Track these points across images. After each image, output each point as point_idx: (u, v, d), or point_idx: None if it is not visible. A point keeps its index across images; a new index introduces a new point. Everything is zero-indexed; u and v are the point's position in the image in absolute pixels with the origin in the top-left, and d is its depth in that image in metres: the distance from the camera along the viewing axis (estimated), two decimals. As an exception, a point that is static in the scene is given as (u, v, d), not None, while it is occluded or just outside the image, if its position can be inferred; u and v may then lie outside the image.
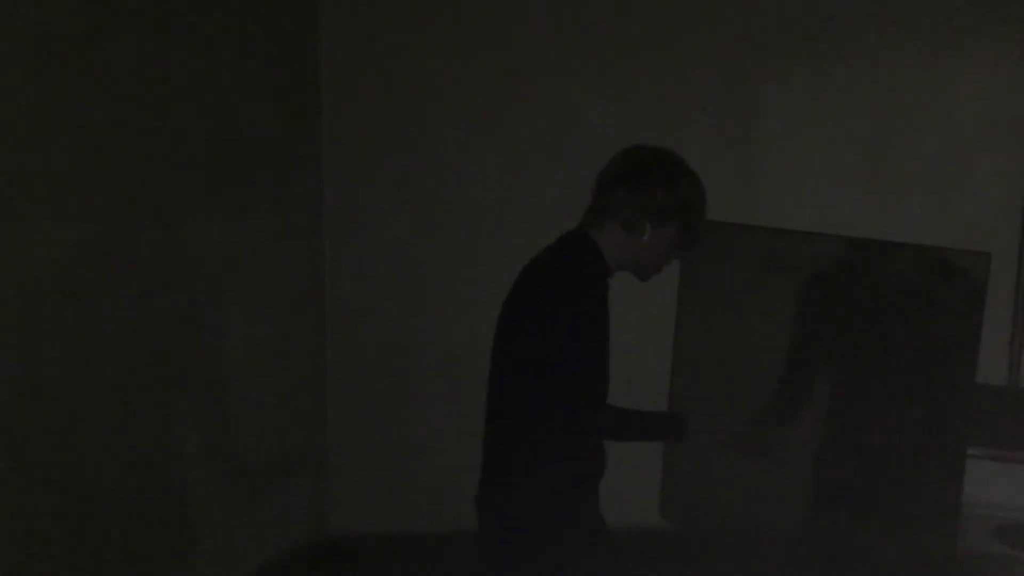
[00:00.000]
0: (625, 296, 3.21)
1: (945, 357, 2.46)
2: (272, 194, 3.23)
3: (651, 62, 3.09)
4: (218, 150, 2.93)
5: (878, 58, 2.88)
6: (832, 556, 2.61)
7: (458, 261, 3.20)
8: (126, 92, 2.55)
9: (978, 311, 2.42)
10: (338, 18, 3.38)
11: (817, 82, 2.94)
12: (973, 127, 2.82)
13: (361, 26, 3.37)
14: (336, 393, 3.55)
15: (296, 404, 3.44)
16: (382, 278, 3.45)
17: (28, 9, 2.25)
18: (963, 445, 2.46)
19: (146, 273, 2.68)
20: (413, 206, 3.41)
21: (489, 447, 2.33)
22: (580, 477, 2.31)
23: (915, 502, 2.52)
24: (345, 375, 3.54)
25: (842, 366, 2.61)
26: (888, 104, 2.89)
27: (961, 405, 2.45)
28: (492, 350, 2.33)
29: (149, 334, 2.69)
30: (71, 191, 2.41)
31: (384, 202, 3.42)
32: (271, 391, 3.27)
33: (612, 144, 3.16)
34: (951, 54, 2.82)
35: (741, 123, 3.02)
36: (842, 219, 2.83)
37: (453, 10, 3.27)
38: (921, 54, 2.84)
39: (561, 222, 3.31)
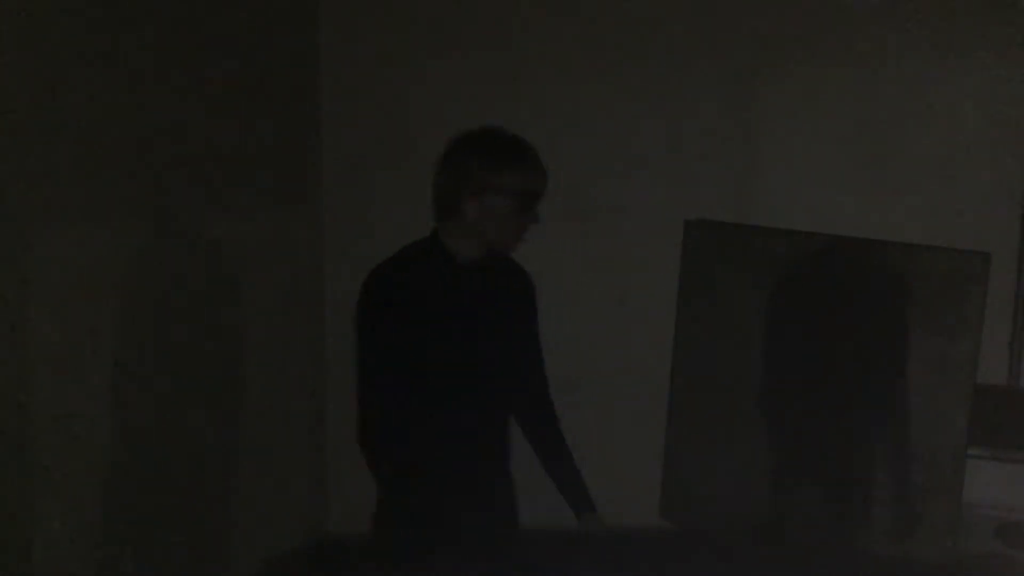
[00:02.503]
0: (625, 296, 3.22)
1: (945, 357, 2.46)
2: (272, 194, 3.23)
3: (651, 62, 3.09)
4: (218, 151, 2.93)
5: (878, 58, 2.88)
6: (832, 556, 2.61)
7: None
8: (126, 93, 2.55)
9: (978, 311, 2.42)
10: (338, 18, 3.38)
11: (817, 82, 2.94)
12: (973, 127, 2.82)
13: (361, 26, 3.37)
14: (336, 393, 3.55)
15: (296, 404, 3.44)
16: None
17: (31, 12, 2.25)
18: (963, 445, 2.46)
19: (146, 273, 2.68)
20: (413, 206, 3.40)
21: None
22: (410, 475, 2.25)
23: (915, 502, 2.52)
24: (345, 375, 3.53)
25: (842, 366, 2.60)
26: (888, 104, 2.89)
27: (961, 405, 2.45)
28: None
29: (148, 335, 2.69)
30: (71, 192, 2.42)
31: (384, 202, 3.42)
32: (271, 391, 3.27)
33: (612, 144, 3.17)
34: (951, 54, 2.81)
35: (741, 123, 3.02)
36: (842, 219, 2.83)
37: (453, 10, 3.27)
38: (921, 54, 2.84)
39: (560, 221, 3.31)
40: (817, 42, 2.93)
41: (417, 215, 3.47)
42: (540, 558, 2.34)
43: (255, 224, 3.12)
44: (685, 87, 3.07)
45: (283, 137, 3.27)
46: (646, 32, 3.08)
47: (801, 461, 2.67)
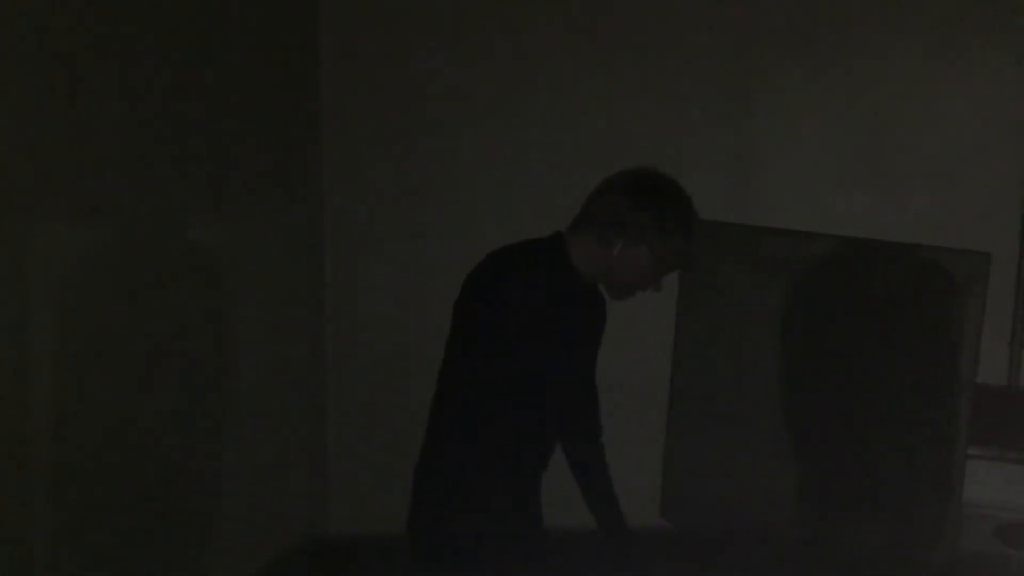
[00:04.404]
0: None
1: (945, 357, 2.46)
2: (272, 195, 3.23)
3: (651, 62, 3.09)
4: (218, 151, 2.93)
5: (878, 58, 2.88)
6: (831, 556, 2.61)
7: (458, 262, 3.20)
8: (125, 93, 2.55)
9: (978, 311, 2.42)
10: (338, 18, 3.38)
11: (817, 82, 2.94)
12: (973, 127, 2.82)
13: (361, 26, 3.37)
14: (336, 393, 3.55)
15: (296, 404, 3.44)
16: (382, 279, 3.44)
17: (29, 11, 2.25)
18: (963, 445, 2.46)
19: (145, 274, 2.68)
20: (413, 207, 3.41)
21: (433, 438, 2.32)
22: (516, 477, 2.27)
23: (915, 502, 2.52)
24: (345, 375, 3.54)
25: (842, 366, 2.60)
26: (888, 104, 2.89)
27: (961, 405, 2.45)
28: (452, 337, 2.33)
29: (149, 335, 2.69)
30: (70, 192, 2.41)
31: (384, 202, 3.42)
32: (271, 391, 3.26)
33: (613, 145, 3.17)
34: (951, 54, 2.82)
35: (740, 123, 3.02)
36: (842, 219, 2.83)
37: (453, 10, 3.27)
38: (921, 54, 2.84)
39: (562, 223, 3.31)
40: (817, 42, 2.93)
41: (417, 215, 3.48)
42: (540, 558, 2.34)
43: (255, 224, 3.12)
44: (685, 87, 3.07)
45: (283, 137, 3.27)
46: (646, 32, 3.08)
47: (799, 460, 2.67)
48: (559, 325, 2.18)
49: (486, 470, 2.23)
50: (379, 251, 3.46)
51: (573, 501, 3.18)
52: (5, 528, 2.28)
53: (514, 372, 2.18)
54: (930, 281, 2.49)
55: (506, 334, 2.17)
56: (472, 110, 3.29)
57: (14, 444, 2.29)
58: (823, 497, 2.65)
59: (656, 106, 3.10)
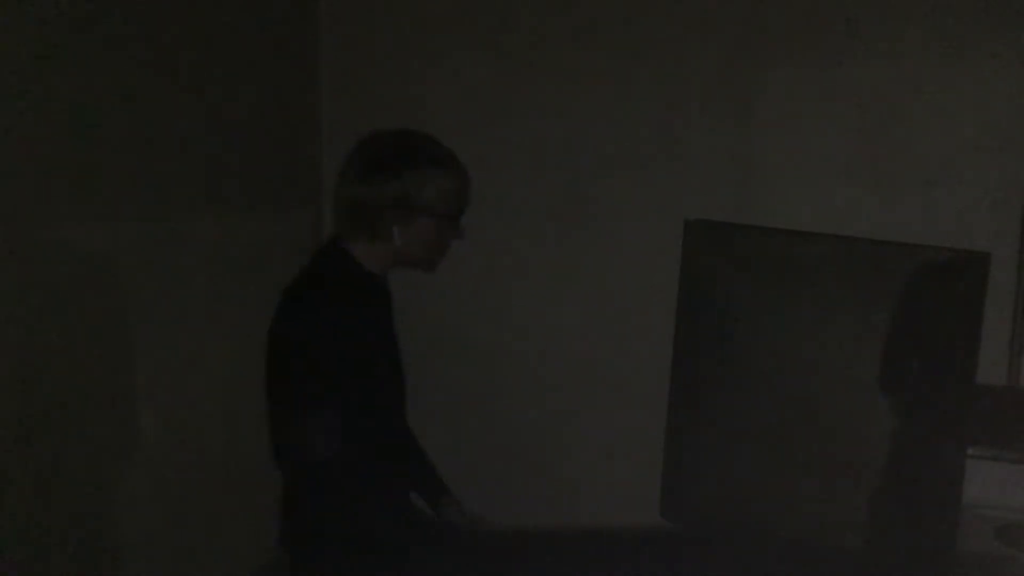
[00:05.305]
0: (625, 296, 3.22)
1: (945, 357, 2.46)
2: (272, 194, 3.23)
3: (651, 61, 3.09)
4: (218, 150, 2.93)
5: (878, 59, 2.88)
6: (831, 555, 2.61)
7: (456, 261, 3.20)
8: (125, 91, 2.55)
9: (978, 311, 2.42)
10: (338, 18, 3.38)
11: (817, 82, 2.94)
12: (973, 127, 2.82)
13: (361, 26, 3.37)
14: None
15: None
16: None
17: (28, 8, 2.25)
18: (963, 445, 2.46)
19: (145, 273, 2.68)
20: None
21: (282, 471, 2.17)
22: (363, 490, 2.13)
23: (915, 502, 2.52)
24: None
25: (841, 366, 2.60)
26: (888, 104, 2.89)
27: (961, 405, 2.45)
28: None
29: (148, 334, 2.69)
30: (68, 191, 2.42)
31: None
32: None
33: (613, 144, 3.17)
34: (951, 54, 2.82)
35: (740, 123, 3.02)
36: (842, 219, 2.83)
37: (452, 10, 3.27)
38: (921, 54, 2.84)
39: (560, 221, 3.32)
40: (817, 42, 2.93)
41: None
42: (542, 557, 2.34)
43: (255, 224, 3.12)
44: (684, 87, 3.07)
45: (283, 137, 3.27)
46: (646, 31, 3.08)
47: (800, 460, 2.67)
48: (357, 331, 2.03)
49: (344, 485, 2.09)
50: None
51: (570, 501, 3.18)
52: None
53: (342, 390, 2.02)
54: (930, 281, 2.49)
55: (322, 354, 2.00)
56: (472, 111, 3.29)
57: (8, 443, 2.30)
58: (820, 496, 2.65)
59: (656, 106, 3.10)
